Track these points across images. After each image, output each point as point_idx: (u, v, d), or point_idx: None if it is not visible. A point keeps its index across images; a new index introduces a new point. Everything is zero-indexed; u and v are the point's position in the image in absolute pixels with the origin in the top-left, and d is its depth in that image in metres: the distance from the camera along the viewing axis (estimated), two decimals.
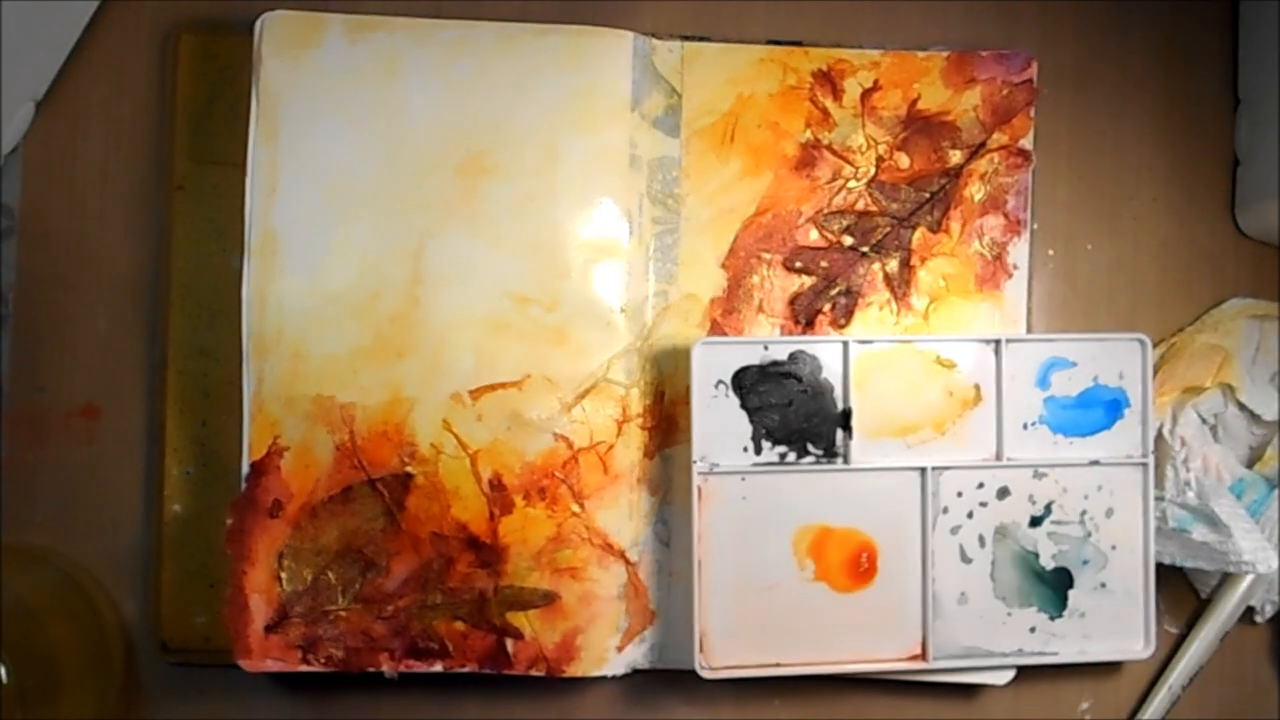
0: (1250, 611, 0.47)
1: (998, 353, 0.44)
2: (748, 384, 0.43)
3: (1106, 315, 0.47)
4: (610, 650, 0.43)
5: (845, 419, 0.43)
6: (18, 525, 0.45)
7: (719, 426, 0.43)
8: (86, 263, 0.45)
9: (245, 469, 0.42)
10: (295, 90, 0.43)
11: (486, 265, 0.43)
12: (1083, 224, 0.48)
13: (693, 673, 0.42)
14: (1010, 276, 0.46)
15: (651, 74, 0.45)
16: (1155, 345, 0.46)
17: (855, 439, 0.43)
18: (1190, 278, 0.48)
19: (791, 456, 0.43)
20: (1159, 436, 0.45)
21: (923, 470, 0.43)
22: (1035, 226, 0.47)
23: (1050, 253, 0.47)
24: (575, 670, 0.43)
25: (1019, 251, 0.46)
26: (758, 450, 0.43)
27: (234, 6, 0.45)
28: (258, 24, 0.42)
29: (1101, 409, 0.44)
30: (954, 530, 0.43)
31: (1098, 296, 0.47)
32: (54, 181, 0.45)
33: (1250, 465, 0.46)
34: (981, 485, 0.44)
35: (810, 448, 0.43)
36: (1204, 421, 0.46)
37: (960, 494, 0.43)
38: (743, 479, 0.43)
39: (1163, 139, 0.48)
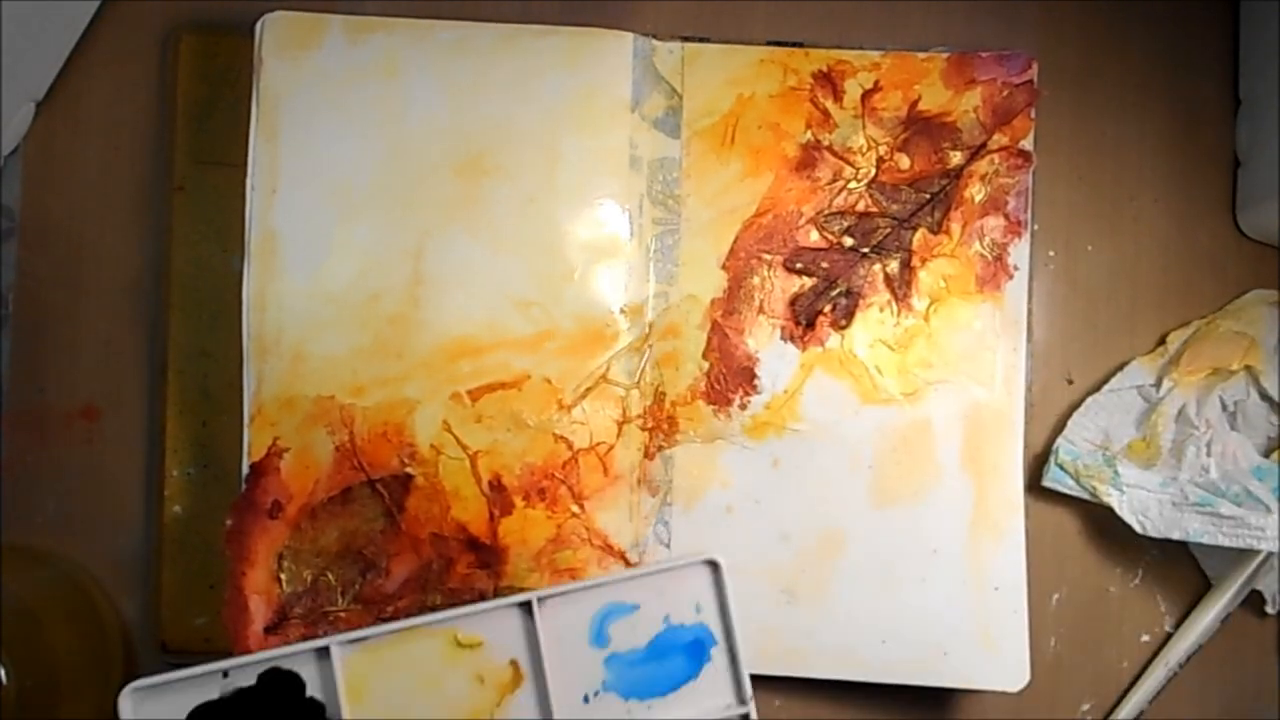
0: (1260, 601, 0.46)
1: (530, 615, 0.36)
2: None
3: (1107, 316, 0.47)
4: None
5: None
6: (18, 526, 0.45)
7: None
8: (86, 263, 0.45)
9: (245, 470, 0.42)
10: (296, 91, 0.43)
11: (486, 266, 0.43)
12: (1083, 225, 0.48)
13: None
14: (1011, 278, 0.46)
15: (652, 75, 0.45)
16: (1175, 330, 0.46)
17: None
18: (1191, 279, 0.48)
19: None
20: (1181, 414, 0.45)
21: None
22: (1036, 228, 0.47)
23: (1051, 254, 0.47)
24: None
25: (1020, 253, 0.46)
26: None
27: (234, 7, 0.45)
28: (258, 25, 0.42)
29: (682, 655, 0.37)
30: None
31: (1098, 298, 0.47)
32: (54, 182, 0.45)
33: (1267, 455, 0.46)
34: None
35: None
36: (1225, 409, 0.46)
37: None
38: None
39: (1164, 140, 0.48)
